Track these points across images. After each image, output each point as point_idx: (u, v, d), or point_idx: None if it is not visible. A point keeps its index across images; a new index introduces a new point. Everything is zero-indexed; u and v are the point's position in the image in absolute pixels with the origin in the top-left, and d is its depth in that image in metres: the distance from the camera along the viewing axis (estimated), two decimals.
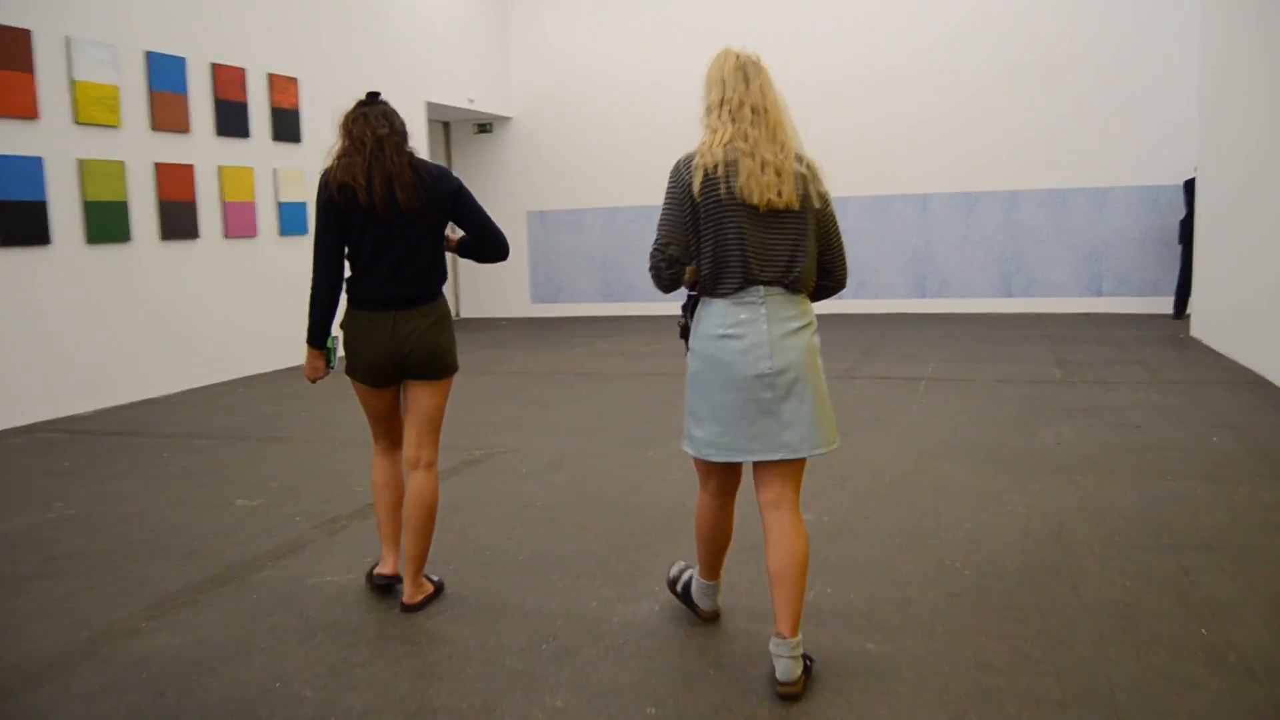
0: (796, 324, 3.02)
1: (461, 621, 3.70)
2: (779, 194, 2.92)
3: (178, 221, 8.92)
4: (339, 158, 3.56)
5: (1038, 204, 12.89)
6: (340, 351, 3.74)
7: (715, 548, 3.38)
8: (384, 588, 3.83)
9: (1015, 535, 4.50)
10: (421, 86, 12.46)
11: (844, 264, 3.18)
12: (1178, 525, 4.57)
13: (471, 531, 4.72)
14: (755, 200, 2.91)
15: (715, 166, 2.95)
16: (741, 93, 3.01)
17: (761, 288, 2.98)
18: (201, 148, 9.25)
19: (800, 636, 3.01)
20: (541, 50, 14.47)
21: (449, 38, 13.14)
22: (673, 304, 11.27)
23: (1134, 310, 12.60)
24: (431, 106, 12.78)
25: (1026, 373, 8.54)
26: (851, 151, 12.91)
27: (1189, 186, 11.86)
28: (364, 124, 3.55)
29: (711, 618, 3.56)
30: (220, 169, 9.41)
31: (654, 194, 13.51)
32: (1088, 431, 6.38)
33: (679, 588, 3.63)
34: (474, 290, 14.93)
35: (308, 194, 10.56)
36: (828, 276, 3.18)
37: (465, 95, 13.36)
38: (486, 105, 13.86)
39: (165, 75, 8.77)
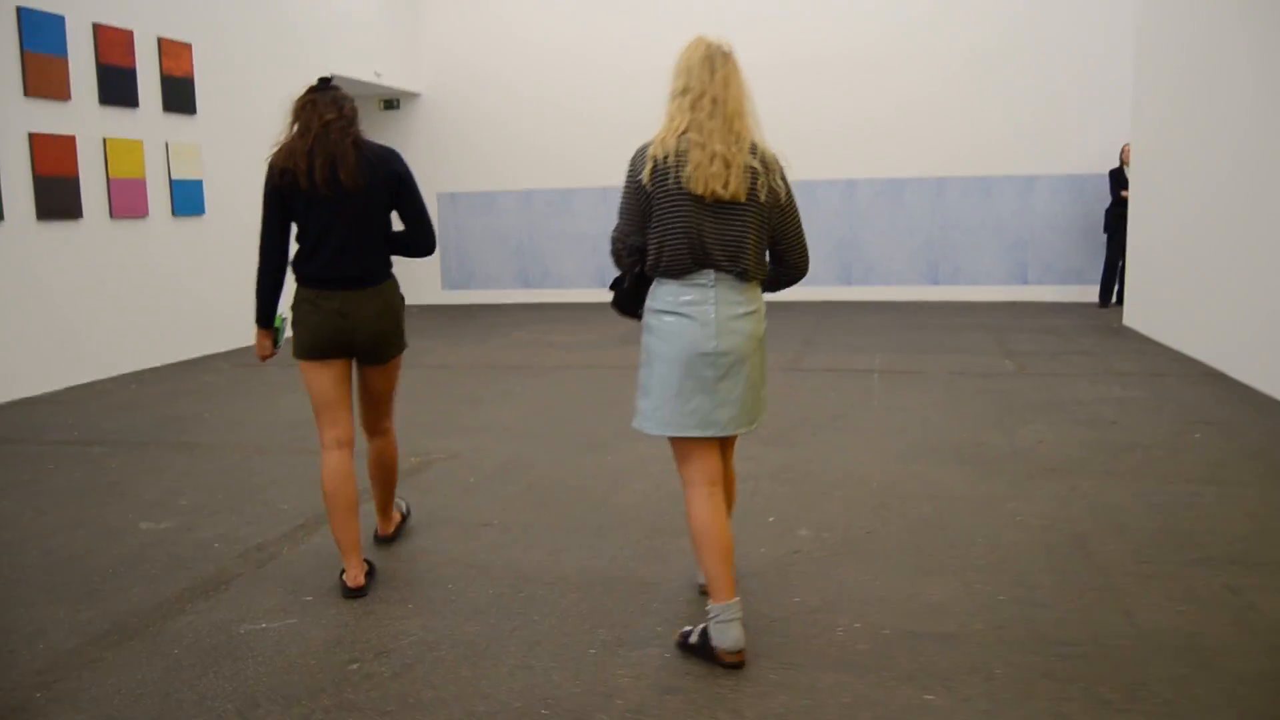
0: (744, 309, 3.05)
1: (437, 677, 3.06)
2: (724, 185, 2.94)
3: (56, 199, 7.93)
4: (283, 144, 3.55)
5: (964, 192, 12.66)
6: (288, 331, 3.69)
7: (719, 553, 3.07)
8: (352, 593, 3.63)
9: (1037, 551, 4.05)
10: (323, 57, 11.55)
11: (804, 253, 3.21)
12: (1201, 536, 4.19)
13: (426, 559, 4.06)
14: (700, 191, 2.94)
15: (666, 157, 2.98)
16: (705, 83, 3.00)
17: (712, 272, 3.01)
18: (83, 117, 8.26)
19: (739, 598, 3.07)
20: (454, 20, 13.65)
21: (354, 4, 12.24)
22: (590, 291, 10.08)
23: (1059, 299, 12.47)
24: (338, 80, 11.87)
25: (977, 364, 8.20)
26: (776, 136, 12.51)
27: (1114, 175, 11.77)
28: (311, 110, 3.53)
29: (735, 661, 3.04)
30: (105, 141, 8.44)
31: (573, 175, 12.89)
32: (1065, 428, 6.02)
33: (694, 639, 3.15)
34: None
35: (205, 170, 9.63)
36: (784, 265, 3.22)
37: (371, 68, 12.48)
38: (394, 79, 12.99)
39: (41, 34, 7.77)
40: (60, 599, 3.73)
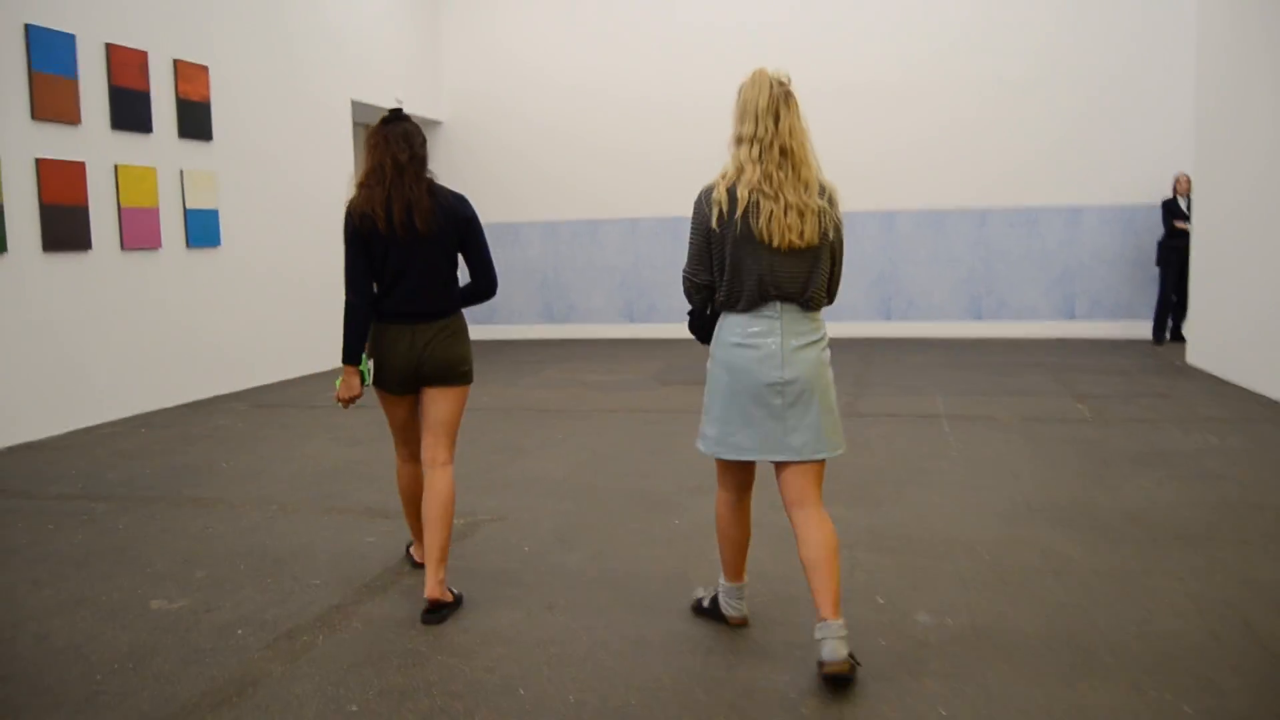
0: (809, 338, 3.15)
1: None
2: (800, 235, 3.03)
3: (64, 229, 7.36)
4: (360, 187, 3.68)
5: (1008, 223, 12.08)
6: (371, 374, 3.82)
7: (736, 547, 3.45)
8: (413, 566, 4.16)
9: (1206, 642, 3.41)
10: (345, 82, 11.03)
11: (839, 283, 3.27)
12: None
13: (487, 654, 3.42)
14: (776, 242, 3.03)
15: (734, 204, 3.05)
16: (771, 131, 3.05)
17: (778, 303, 3.11)
18: (94, 142, 7.71)
19: (843, 619, 3.09)
20: (476, 47, 13.15)
21: (376, 30, 11.74)
22: (618, 326, 11.17)
23: (1109, 335, 11.86)
24: (355, 107, 11.36)
25: (1049, 409, 7.57)
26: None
27: (1168, 206, 11.19)
28: (384, 148, 3.64)
29: (740, 624, 3.55)
30: (117, 168, 7.87)
31: (600, 206, 12.27)
32: (1173, 485, 5.39)
33: (705, 605, 3.63)
34: None
35: (220, 200, 9.06)
36: (828, 295, 3.27)
37: (393, 94, 11.95)
38: (415, 107, 12.46)
39: (50, 54, 7.22)
40: (55, 704, 3.09)
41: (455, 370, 3.79)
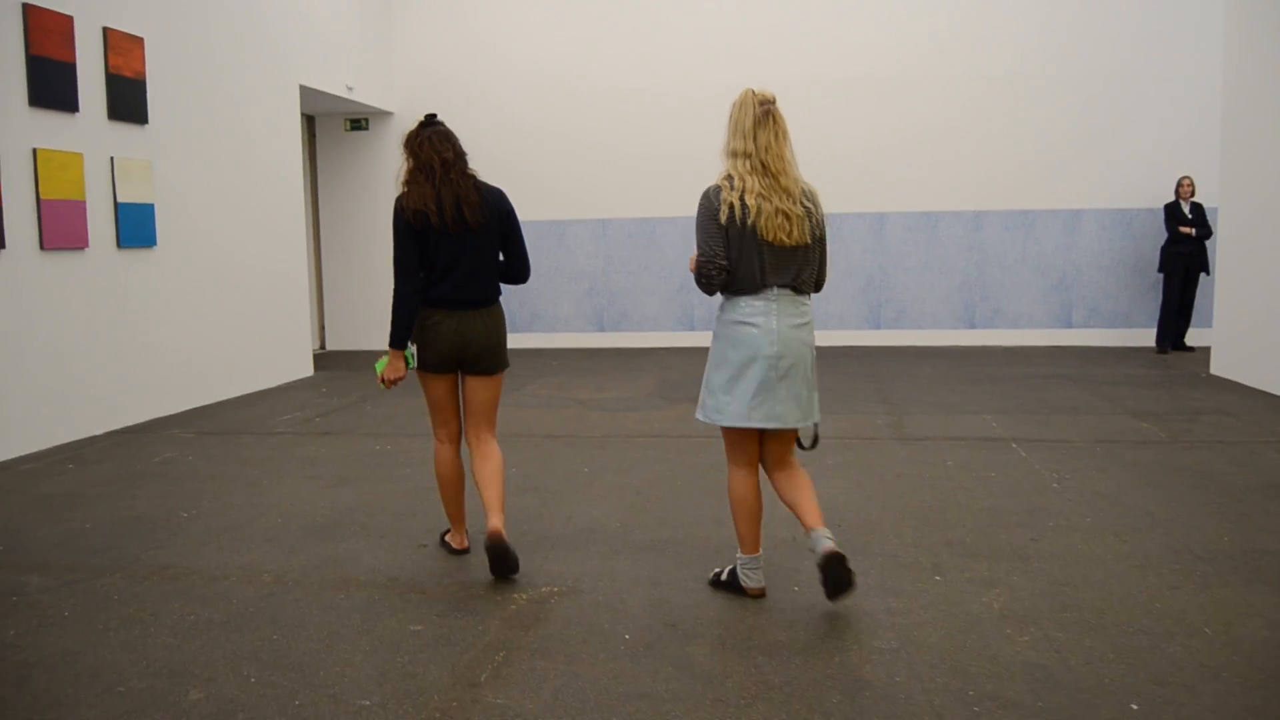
0: (800, 320, 3.55)
1: None
2: (789, 235, 3.45)
3: None
4: (407, 184, 3.90)
5: (1004, 226, 11.32)
6: (414, 360, 3.99)
7: (751, 519, 3.65)
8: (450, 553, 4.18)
9: None
10: (293, 66, 9.71)
11: (826, 272, 3.68)
12: None
13: None
14: (771, 239, 3.44)
15: (736, 206, 3.44)
16: (757, 149, 3.47)
17: (775, 289, 3.50)
18: (7, 122, 6.34)
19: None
20: (431, 34, 11.89)
21: (326, 10, 10.41)
22: (587, 335, 10.86)
23: (1107, 343, 11.18)
24: (304, 94, 10.03)
25: (1115, 429, 6.73)
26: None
27: (1170, 210, 10.55)
28: (430, 147, 3.87)
29: (758, 594, 3.69)
30: (35, 153, 6.51)
31: (567, 206, 11.11)
32: None
33: (724, 577, 3.78)
34: (341, 320, 12.14)
35: (157, 193, 7.71)
36: (815, 283, 3.66)
37: (342, 81, 10.66)
38: (365, 95, 11.18)
39: None
40: None
41: (498, 357, 4.01)
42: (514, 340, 11.75)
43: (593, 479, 5.59)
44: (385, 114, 11.88)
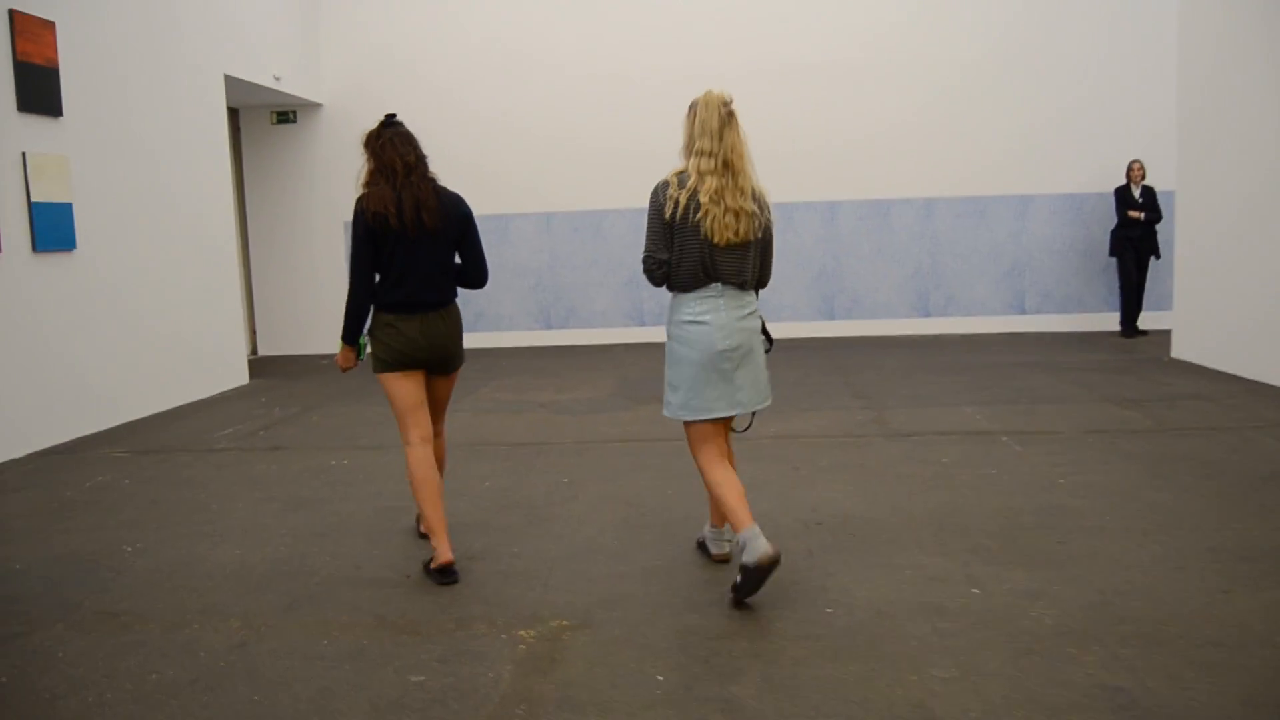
0: (746, 310, 3.66)
1: None
2: (736, 233, 3.55)
3: None
4: (368, 185, 3.91)
5: (956, 214, 11.16)
6: (368, 349, 4.01)
7: (738, 494, 3.61)
8: (443, 574, 3.86)
9: None
10: (217, 55, 9.08)
11: (770, 271, 3.80)
12: None
13: None
14: (717, 239, 3.53)
15: (685, 203, 3.53)
16: (719, 147, 3.54)
17: (719, 284, 3.60)
18: None
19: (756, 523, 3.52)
20: (361, 19, 11.30)
21: None
22: (534, 333, 10.20)
23: (1063, 329, 11.11)
24: (229, 84, 9.40)
25: (1101, 418, 6.55)
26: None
27: (1120, 194, 10.50)
28: (392, 149, 3.90)
29: (722, 559, 3.97)
30: None
31: (511, 199, 10.63)
32: None
33: (700, 541, 4.13)
34: (274, 324, 11.49)
35: (75, 191, 7.09)
36: (759, 279, 3.79)
37: (268, 71, 10.03)
38: (294, 85, 10.56)
39: None
40: None
41: (457, 358, 4.10)
42: (550, 336, 11.30)
43: (576, 491, 5.19)
44: (314, 105, 11.26)
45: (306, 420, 7.40)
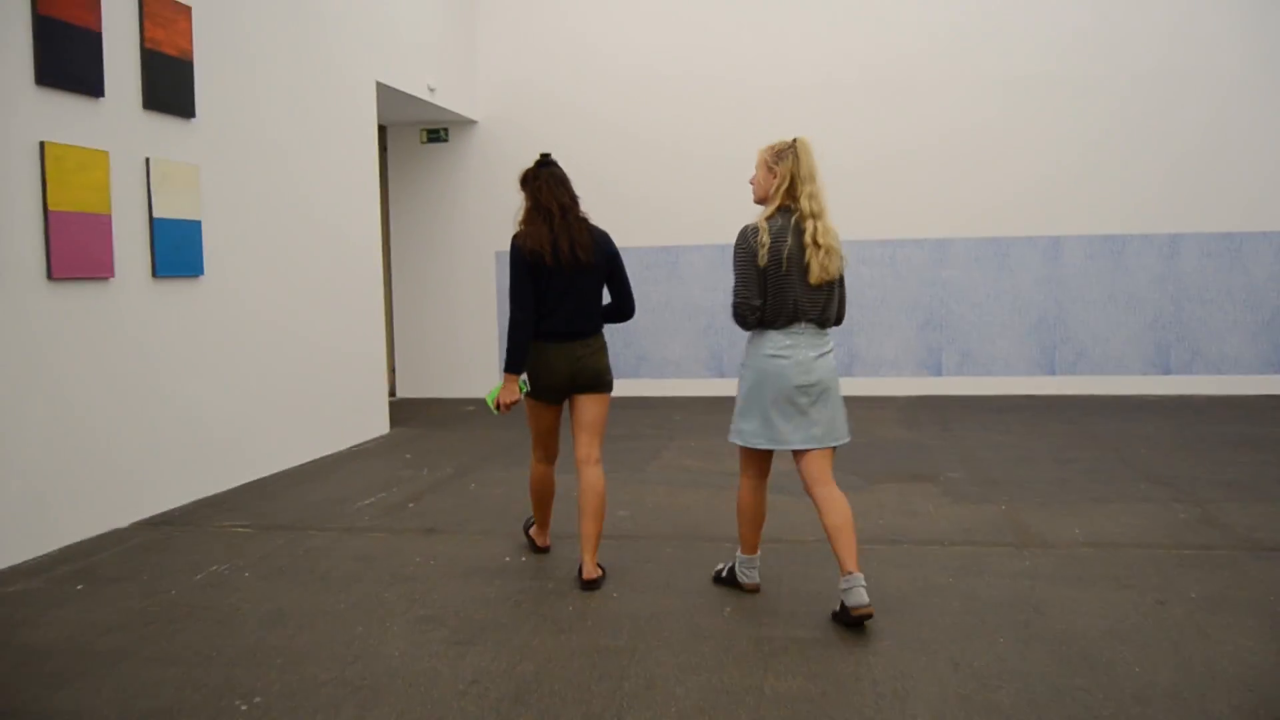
0: (824, 350, 3.72)
1: None
2: (828, 272, 3.64)
3: None
4: (525, 223, 4.14)
5: (1088, 255, 9.28)
6: (528, 385, 4.17)
7: (755, 524, 3.94)
8: (532, 548, 4.58)
9: None
10: (370, 61, 7.91)
11: (845, 308, 3.83)
12: None
13: None
14: (814, 280, 3.62)
15: (780, 248, 3.61)
16: (818, 190, 3.66)
17: (802, 323, 3.67)
18: (4, 104, 4.53)
19: (862, 572, 3.60)
20: (523, 33, 10.07)
21: (403, 2, 8.59)
22: (709, 382, 9.08)
23: (1214, 391, 9.13)
24: (381, 93, 8.22)
25: None
26: (855, 177, 9.29)
27: None
28: (548, 191, 4.11)
29: (753, 590, 4.01)
30: (43, 149, 4.69)
31: (680, 231, 9.39)
32: None
33: (724, 574, 4.11)
34: (415, 363, 10.27)
35: (205, 208, 5.91)
36: (837, 317, 3.83)
37: (422, 81, 8.84)
38: (448, 99, 9.35)
39: None
40: None
41: (603, 378, 4.23)
42: (633, 388, 9.91)
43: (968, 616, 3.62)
44: (468, 123, 10.05)
45: (462, 488, 6.01)
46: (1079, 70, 9.23)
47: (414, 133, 10.19)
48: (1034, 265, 9.43)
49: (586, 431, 4.23)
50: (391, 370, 10.13)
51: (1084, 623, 3.61)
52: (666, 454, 6.95)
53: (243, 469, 6.21)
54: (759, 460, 3.88)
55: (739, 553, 4.04)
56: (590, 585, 4.06)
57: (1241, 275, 9.21)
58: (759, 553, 4.04)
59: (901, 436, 7.44)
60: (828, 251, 3.61)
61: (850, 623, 3.54)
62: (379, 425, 7.98)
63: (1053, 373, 9.45)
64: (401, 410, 9.11)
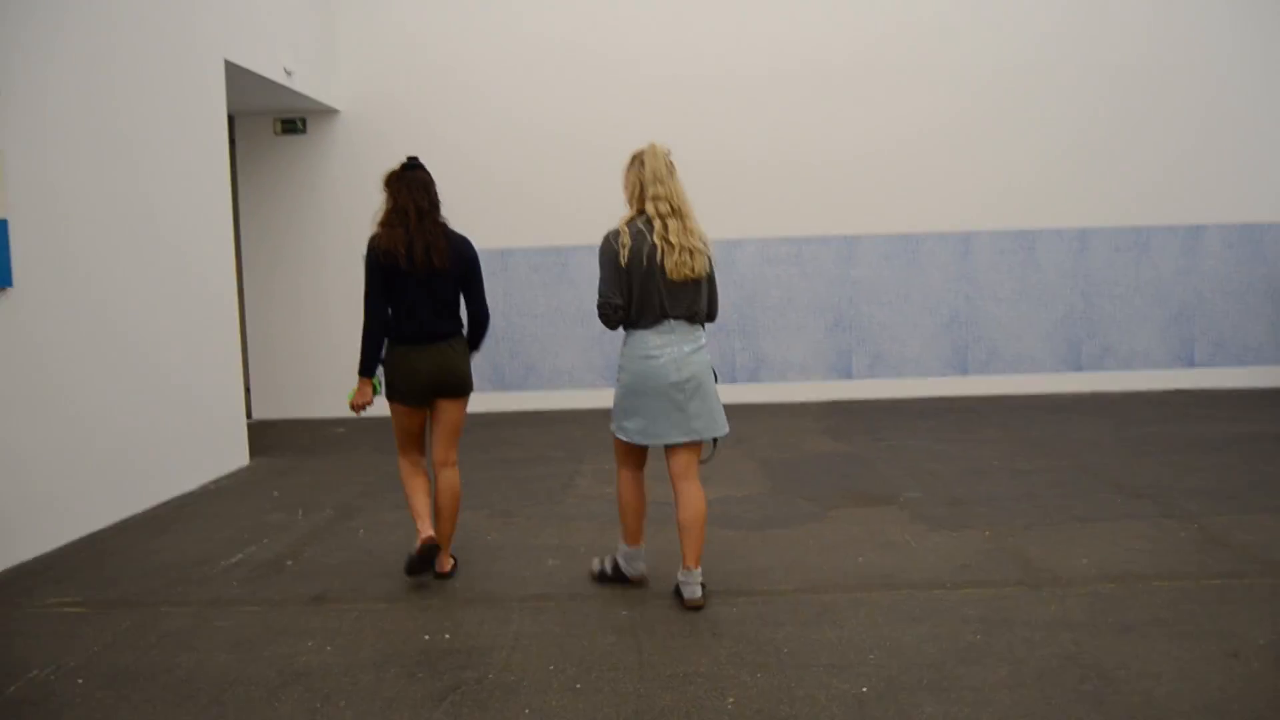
0: (696, 345, 3.82)
1: None
2: (691, 270, 3.74)
3: None
4: (382, 225, 4.12)
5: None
6: (383, 385, 4.22)
7: (637, 514, 3.99)
8: (426, 557, 4.14)
9: None
10: (216, 35, 6.74)
11: (717, 304, 3.95)
12: None
13: None
14: (674, 276, 3.71)
15: (638, 245, 3.72)
16: (674, 194, 3.76)
17: (671, 320, 3.77)
18: None
19: (701, 568, 3.82)
20: (390, 8, 8.99)
21: None
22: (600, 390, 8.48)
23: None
24: (231, 72, 7.04)
25: None
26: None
27: None
28: (408, 193, 4.10)
29: (640, 581, 4.05)
30: None
31: (572, 229, 8.49)
32: None
33: (608, 570, 4.10)
34: (273, 380, 9.06)
35: (13, 204, 4.71)
36: (709, 313, 3.93)
37: (279, 62, 7.69)
38: (306, 84, 8.21)
39: None
40: None
41: (466, 384, 4.26)
42: (504, 400, 8.97)
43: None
44: (328, 112, 8.91)
45: (349, 536, 5.00)
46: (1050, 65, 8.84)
47: (267, 123, 8.97)
48: (946, 262, 8.98)
49: (446, 435, 4.28)
50: (247, 389, 8.88)
51: (1162, 690, 2.95)
52: (580, 481, 6.08)
53: (71, 523, 5.01)
54: (636, 453, 3.96)
55: (623, 545, 4.02)
56: (443, 576, 4.28)
57: (1150, 270, 8.99)
58: (643, 544, 4.05)
59: (833, 449, 6.78)
60: (687, 251, 3.69)
61: (688, 610, 3.76)
62: (237, 457, 6.81)
63: (965, 372, 9.02)
64: (261, 436, 7.91)
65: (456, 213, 9.22)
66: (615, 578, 4.06)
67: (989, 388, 8.99)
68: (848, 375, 9.02)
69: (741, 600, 3.85)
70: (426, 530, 4.16)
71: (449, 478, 4.28)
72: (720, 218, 8.73)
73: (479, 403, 8.95)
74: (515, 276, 8.93)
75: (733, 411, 8.68)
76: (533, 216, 8.82)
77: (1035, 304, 9.00)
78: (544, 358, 9.01)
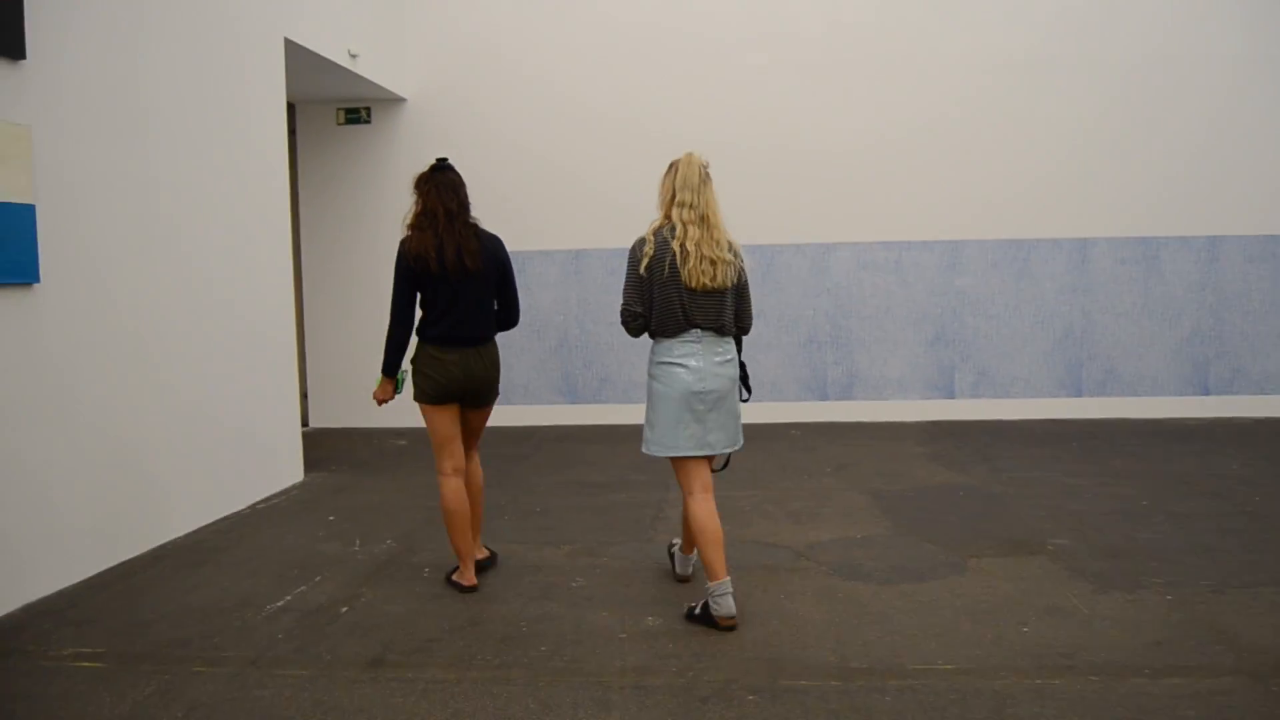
0: (724, 358, 3.74)
1: None
2: (713, 279, 3.65)
3: None
4: (412, 227, 4.06)
5: (1118, 259, 8.10)
6: (408, 382, 4.18)
7: (716, 542, 3.69)
8: (466, 590, 4.09)
9: None
10: (276, 11, 6.14)
11: (751, 316, 3.88)
12: None
13: None
14: (694, 285, 3.63)
15: (661, 254, 3.65)
16: (697, 201, 3.66)
17: (698, 330, 3.69)
18: None
19: (730, 577, 3.68)
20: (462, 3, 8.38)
21: None
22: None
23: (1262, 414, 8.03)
24: (290, 50, 6.44)
25: None
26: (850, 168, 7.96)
27: None
28: (436, 195, 4.04)
29: (730, 626, 3.67)
30: None
31: (644, 223, 7.76)
32: None
33: (697, 611, 3.75)
34: (330, 387, 8.46)
35: (41, 188, 4.11)
36: (739, 325, 3.85)
37: (343, 44, 7.09)
38: (371, 69, 7.60)
39: None
40: None
41: (493, 390, 4.23)
42: (577, 413, 8.28)
43: None
44: (394, 101, 8.30)
45: (412, 576, 4.33)
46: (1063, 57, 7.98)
47: (329, 112, 8.39)
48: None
49: (469, 437, 4.30)
50: (303, 396, 8.31)
51: None
52: (670, 511, 5.35)
53: (99, 552, 4.41)
54: (692, 469, 3.78)
55: (708, 582, 3.73)
56: (481, 564, 4.28)
57: None
58: (729, 576, 3.74)
59: (949, 480, 5.99)
60: (708, 260, 3.63)
61: (721, 627, 3.63)
62: (291, 472, 6.20)
63: (1079, 393, 8.15)
64: (316, 446, 7.31)
65: (529, 214, 8.66)
66: (704, 619, 3.71)
67: (1104, 410, 8.12)
68: (950, 394, 8.20)
69: (894, 685, 3.10)
70: (469, 576, 4.12)
71: (471, 470, 4.31)
72: (812, 220, 8.07)
73: (548, 415, 8.34)
74: (590, 280, 8.22)
75: (826, 431, 8.13)
76: (610, 216, 8.09)
77: (1158, 319, 8.11)
78: (620, 369, 8.29)
